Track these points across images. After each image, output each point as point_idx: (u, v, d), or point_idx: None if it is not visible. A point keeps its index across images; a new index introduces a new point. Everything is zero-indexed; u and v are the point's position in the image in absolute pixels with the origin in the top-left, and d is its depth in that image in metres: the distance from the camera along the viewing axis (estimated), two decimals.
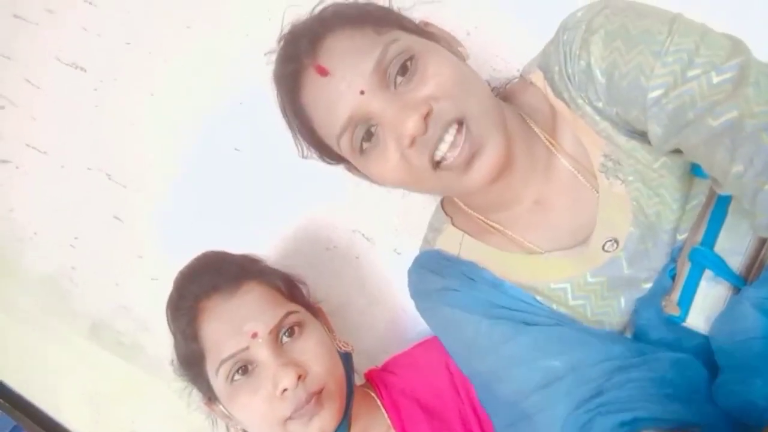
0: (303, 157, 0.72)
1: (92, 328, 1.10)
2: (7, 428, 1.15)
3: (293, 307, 0.73)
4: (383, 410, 0.78)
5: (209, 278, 0.73)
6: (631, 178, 0.63)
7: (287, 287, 0.76)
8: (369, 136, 0.61)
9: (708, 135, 0.52)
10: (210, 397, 0.75)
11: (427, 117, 0.58)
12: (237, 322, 0.69)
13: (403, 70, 0.59)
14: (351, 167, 0.69)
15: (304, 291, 0.82)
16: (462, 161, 0.58)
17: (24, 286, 1.14)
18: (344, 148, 0.63)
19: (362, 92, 0.58)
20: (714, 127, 0.51)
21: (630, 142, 0.62)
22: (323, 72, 0.60)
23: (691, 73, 0.52)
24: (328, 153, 0.69)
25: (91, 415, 1.12)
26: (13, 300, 1.14)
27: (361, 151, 0.61)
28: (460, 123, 0.58)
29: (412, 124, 0.57)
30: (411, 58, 0.59)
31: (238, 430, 0.75)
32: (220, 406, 0.74)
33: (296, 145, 0.71)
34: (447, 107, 0.58)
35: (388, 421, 0.77)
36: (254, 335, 0.68)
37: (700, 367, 0.61)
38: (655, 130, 0.56)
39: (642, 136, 0.61)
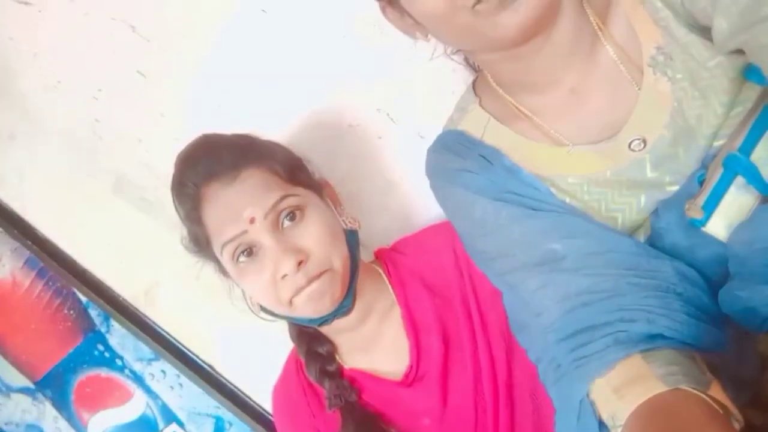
0: None
1: (116, 182, 1.13)
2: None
3: (292, 190, 0.73)
4: (389, 286, 0.81)
5: (207, 166, 0.73)
6: (679, 76, 0.60)
7: (287, 170, 0.75)
8: None
9: None
10: (223, 273, 0.78)
11: None
12: (236, 209, 0.70)
13: None
14: (387, 3, 0.63)
15: (309, 169, 0.81)
16: None
17: (48, 136, 1.15)
18: None
19: None
20: None
21: (689, 35, 0.58)
22: None
23: None
24: None
25: (114, 264, 1.18)
26: (37, 149, 1.16)
27: None
28: None
29: None
30: None
31: (255, 303, 0.78)
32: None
33: None
34: None
35: (393, 297, 0.80)
36: (252, 220, 0.70)
37: (703, 284, 0.60)
38: (721, 25, 0.52)
39: (703, 30, 0.56)
